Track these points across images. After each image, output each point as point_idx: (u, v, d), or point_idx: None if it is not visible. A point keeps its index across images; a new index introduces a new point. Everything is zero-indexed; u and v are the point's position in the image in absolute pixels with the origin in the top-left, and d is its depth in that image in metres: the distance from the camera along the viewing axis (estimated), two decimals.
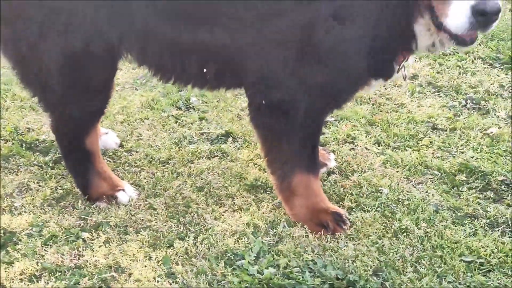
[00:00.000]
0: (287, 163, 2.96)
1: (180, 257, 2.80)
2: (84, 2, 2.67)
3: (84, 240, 2.88)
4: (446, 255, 2.81)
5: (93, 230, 2.94)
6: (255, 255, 2.82)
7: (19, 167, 3.38)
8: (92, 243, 2.86)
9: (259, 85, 2.84)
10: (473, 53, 4.60)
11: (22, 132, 3.71)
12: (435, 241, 2.89)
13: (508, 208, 3.12)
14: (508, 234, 2.97)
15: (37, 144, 3.59)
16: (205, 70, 2.84)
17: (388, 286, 2.66)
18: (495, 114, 3.91)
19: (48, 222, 2.97)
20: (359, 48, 2.70)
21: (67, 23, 2.69)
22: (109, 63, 2.86)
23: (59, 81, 2.81)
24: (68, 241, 2.87)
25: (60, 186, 3.24)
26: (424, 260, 2.78)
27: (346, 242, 2.91)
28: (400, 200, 3.17)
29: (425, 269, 2.74)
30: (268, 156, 2.99)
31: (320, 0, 2.64)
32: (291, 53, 2.73)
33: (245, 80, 2.90)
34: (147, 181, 3.30)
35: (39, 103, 3.01)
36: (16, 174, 3.32)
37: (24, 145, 3.56)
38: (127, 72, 4.49)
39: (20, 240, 2.86)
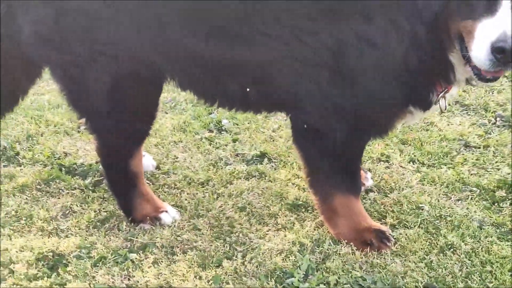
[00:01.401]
0: (328, 184, 2.99)
1: (230, 276, 2.80)
2: (130, 32, 2.72)
3: (132, 261, 2.88)
4: (495, 270, 2.81)
5: (141, 251, 2.94)
6: (304, 273, 2.82)
7: (61, 190, 3.40)
8: (141, 264, 2.86)
9: (297, 108, 2.87)
10: None
11: (59, 156, 3.73)
12: (483, 256, 2.89)
13: None
14: None
15: (75, 168, 3.61)
16: (248, 89, 2.85)
17: None
18: None
19: (96, 244, 2.98)
20: (391, 74, 2.70)
21: (115, 51, 2.73)
22: (155, 86, 2.91)
23: (106, 104, 2.85)
24: (117, 262, 2.87)
25: (103, 208, 3.25)
26: (474, 276, 2.78)
27: (393, 259, 2.91)
28: (442, 216, 3.18)
29: (476, 284, 2.74)
30: (310, 177, 3.02)
31: (352, 20, 2.65)
32: (323, 74, 2.74)
33: (284, 102, 2.93)
34: (189, 202, 3.31)
35: (85, 126, 3.03)
36: (59, 198, 3.34)
37: (63, 169, 3.57)
38: None
39: (69, 262, 2.86)
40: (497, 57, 2.40)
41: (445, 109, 2.88)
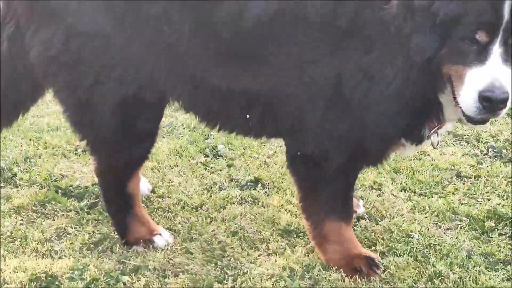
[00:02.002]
0: (320, 210, 3.04)
1: None
2: (140, 56, 2.79)
3: (124, 284, 2.92)
4: None
5: (133, 274, 2.98)
6: None
7: (56, 212, 3.44)
8: (133, 286, 2.91)
9: (294, 135, 2.94)
10: None
11: (56, 178, 3.78)
12: (471, 285, 2.94)
13: None
14: None
15: (71, 190, 3.65)
16: (247, 116, 2.92)
17: None
18: None
19: (88, 265, 3.02)
20: (386, 107, 2.76)
21: (122, 74, 2.81)
22: (158, 110, 2.97)
23: (110, 126, 2.91)
24: (109, 284, 2.92)
25: (97, 230, 3.30)
26: None
27: (382, 286, 2.96)
28: (431, 245, 3.23)
29: None
30: (302, 202, 3.07)
31: (349, 51, 2.72)
32: (319, 104, 2.81)
33: (282, 128, 2.99)
34: (182, 226, 3.36)
35: (87, 146, 3.08)
36: (54, 219, 3.38)
37: (59, 191, 3.62)
38: None
39: (62, 284, 2.90)
40: (484, 105, 2.47)
41: (437, 145, 2.94)
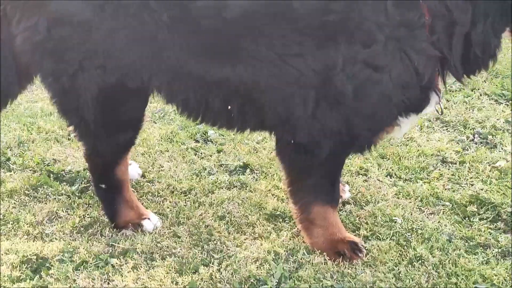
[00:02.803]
0: (308, 195, 3.11)
1: (206, 283, 2.92)
2: (122, 45, 2.84)
3: (113, 266, 3.01)
4: (460, 282, 2.94)
5: (121, 256, 3.07)
6: (277, 281, 2.95)
7: (48, 196, 3.53)
8: (121, 269, 2.99)
9: (282, 126, 3.00)
10: (479, 89, 4.78)
11: (49, 163, 3.86)
12: (450, 268, 3.02)
13: None
14: None
15: (64, 174, 3.74)
16: (229, 107, 2.97)
17: None
18: (502, 148, 4.06)
19: (78, 248, 3.10)
20: (392, 93, 2.84)
21: (104, 61, 2.86)
22: (141, 98, 3.03)
23: (94, 113, 2.97)
24: (98, 266, 3.00)
25: (88, 214, 3.38)
26: (439, 287, 2.91)
27: (364, 269, 3.04)
28: (414, 229, 3.30)
29: None
30: (291, 187, 3.14)
31: (340, 45, 2.78)
32: (310, 95, 2.86)
33: (267, 120, 3.04)
34: (171, 210, 3.44)
35: (73, 132, 3.16)
36: (45, 203, 3.46)
37: (51, 175, 3.70)
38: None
39: (52, 266, 2.99)
40: None
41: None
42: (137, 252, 3.10)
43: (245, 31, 2.82)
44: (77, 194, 3.55)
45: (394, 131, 3.08)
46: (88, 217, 3.36)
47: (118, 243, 3.15)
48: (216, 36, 2.84)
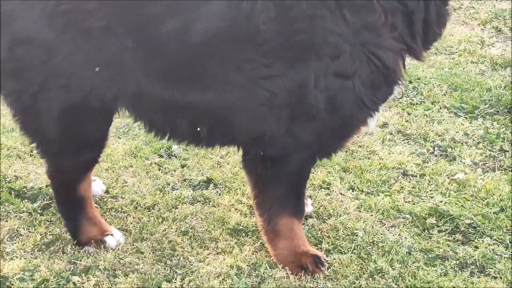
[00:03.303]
0: (274, 206, 3.15)
1: None
2: (84, 67, 2.85)
3: (74, 284, 3.01)
4: None
5: (83, 274, 3.07)
6: None
7: (9, 213, 3.50)
8: (83, 287, 2.99)
9: (253, 142, 3.03)
10: (438, 102, 4.86)
11: (10, 180, 3.83)
12: (409, 281, 3.08)
13: (476, 250, 3.31)
14: (477, 274, 3.16)
15: (25, 191, 3.71)
16: (198, 129, 3.00)
17: None
18: (461, 161, 4.14)
19: (39, 266, 3.09)
20: (363, 92, 2.91)
21: (67, 81, 2.86)
22: (105, 117, 3.04)
23: (56, 132, 2.97)
24: (59, 285, 3.00)
25: (50, 231, 3.37)
26: None
27: (325, 283, 3.08)
28: (375, 242, 3.36)
29: None
30: (257, 199, 3.17)
31: (310, 62, 2.84)
32: (283, 114, 2.91)
33: (238, 139, 3.10)
34: (134, 226, 3.44)
35: (36, 150, 3.15)
36: (6, 221, 3.44)
37: (12, 192, 3.68)
38: None
39: (12, 284, 2.98)
40: None
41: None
42: (100, 269, 3.10)
43: (209, 56, 2.85)
44: (39, 211, 3.53)
45: (362, 131, 3.20)
46: (50, 235, 3.34)
47: (80, 260, 3.15)
48: (181, 61, 2.87)
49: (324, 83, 2.84)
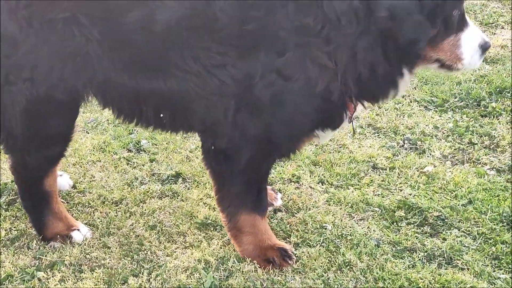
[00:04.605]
0: (234, 203, 3.14)
1: None
2: (49, 59, 2.82)
3: (39, 279, 2.97)
4: (387, 287, 3.00)
5: (49, 269, 3.03)
6: None
7: None
8: (48, 282, 2.95)
9: (206, 131, 3.04)
10: (409, 96, 4.87)
11: None
12: (377, 273, 3.07)
13: (443, 242, 3.32)
14: (444, 266, 3.17)
15: None
16: (161, 115, 3.00)
17: None
18: (430, 154, 4.15)
19: (4, 262, 3.05)
20: (302, 104, 2.89)
21: (31, 75, 2.83)
22: (71, 109, 3.01)
23: (21, 126, 2.93)
24: (24, 280, 2.96)
25: (15, 227, 3.33)
26: None
27: (293, 276, 3.07)
28: (343, 235, 3.35)
29: None
30: (217, 195, 3.16)
31: (259, 54, 2.81)
32: (231, 104, 2.90)
33: (195, 127, 3.10)
34: (101, 221, 3.40)
35: (0, 145, 3.10)
36: None
37: None
38: (78, 116, 4.58)
39: None
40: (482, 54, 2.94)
41: (356, 132, 3.12)
42: (65, 264, 3.07)
43: (172, 44, 2.84)
44: (3, 207, 3.48)
45: (313, 140, 3.18)
46: (14, 230, 3.30)
47: (46, 256, 3.11)
48: (146, 50, 2.86)
49: (269, 79, 2.83)
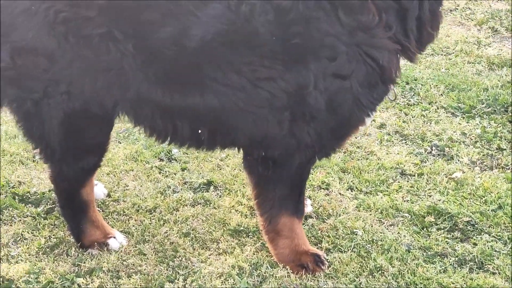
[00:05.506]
0: (275, 206, 3.19)
1: None
2: (85, 74, 2.90)
3: (79, 285, 3.06)
4: None
5: (87, 276, 3.11)
6: None
7: (13, 218, 3.55)
8: None
9: (254, 143, 3.08)
10: (436, 103, 4.91)
11: (14, 185, 3.88)
12: (409, 278, 3.12)
13: (474, 247, 3.36)
14: (476, 270, 3.21)
15: (29, 196, 3.76)
16: (199, 131, 3.04)
17: None
18: (458, 160, 4.19)
19: (44, 269, 3.14)
20: (362, 96, 2.98)
21: (68, 88, 2.91)
22: (106, 122, 3.09)
23: (59, 138, 3.02)
24: (64, 286, 3.05)
25: (53, 235, 3.42)
26: None
27: (326, 281, 3.12)
28: (374, 240, 3.40)
29: None
30: (258, 199, 3.22)
31: (308, 64, 2.89)
32: (285, 115, 2.96)
33: (239, 141, 3.14)
34: (136, 229, 3.49)
35: (40, 155, 3.20)
36: (11, 225, 3.49)
37: (16, 197, 3.73)
38: None
39: (18, 287, 3.01)
40: None
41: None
42: (103, 270, 3.15)
43: (209, 59, 2.89)
44: (42, 216, 3.58)
45: (360, 130, 3.27)
46: (53, 238, 3.39)
47: (84, 263, 3.20)
48: (180, 65, 2.91)
49: (323, 84, 2.90)
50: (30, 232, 3.43)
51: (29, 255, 3.25)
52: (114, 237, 3.34)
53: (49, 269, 3.14)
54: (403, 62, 3.15)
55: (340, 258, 3.26)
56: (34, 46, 2.87)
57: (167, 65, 2.92)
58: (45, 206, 3.66)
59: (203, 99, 2.94)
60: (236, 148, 3.25)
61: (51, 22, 2.86)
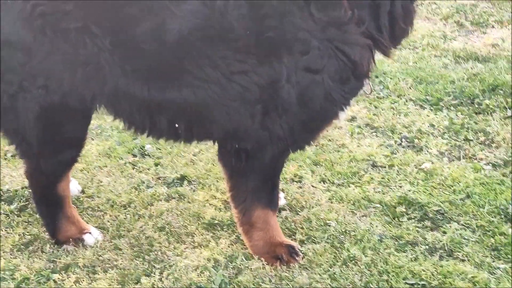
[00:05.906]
0: (249, 198, 3.23)
1: None
2: (63, 68, 2.91)
3: (55, 281, 3.06)
4: (391, 279, 3.10)
5: (63, 271, 3.12)
6: (217, 287, 3.05)
7: None
8: (63, 283, 3.05)
9: (229, 136, 3.12)
10: (404, 95, 4.99)
11: None
12: (381, 267, 3.18)
13: (444, 235, 3.43)
14: (446, 258, 3.28)
15: (1, 194, 3.74)
16: (176, 125, 3.07)
17: None
18: (427, 151, 4.27)
19: (19, 266, 3.14)
20: (334, 90, 3.02)
21: (45, 82, 2.91)
22: (84, 116, 3.09)
23: (36, 132, 3.02)
24: (40, 282, 3.05)
25: (28, 232, 3.41)
26: (372, 284, 3.07)
27: (300, 272, 3.17)
28: (347, 231, 3.46)
29: None
30: (232, 191, 3.25)
31: (281, 58, 2.93)
32: (257, 109, 3.00)
33: (215, 134, 3.18)
34: (111, 224, 3.50)
35: (16, 150, 3.19)
36: None
37: None
38: None
39: None
40: None
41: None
42: (79, 266, 3.16)
43: (185, 53, 2.92)
44: (16, 213, 3.57)
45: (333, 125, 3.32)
46: (28, 235, 3.39)
47: (60, 259, 3.20)
48: (158, 60, 2.94)
49: (295, 78, 2.95)
50: (4, 230, 3.42)
51: (3, 252, 3.24)
52: (90, 233, 3.35)
53: (24, 265, 3.14)
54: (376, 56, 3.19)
55: (314, 249, 3.31)
56: (11, 40, 2.87)
57: (144, 60, 2.94)
58: (18, 204, 3.65)
59: (180, 93, 2.97)
60: (212, 141, 3.28)
61: (28, 15, 2.86)
